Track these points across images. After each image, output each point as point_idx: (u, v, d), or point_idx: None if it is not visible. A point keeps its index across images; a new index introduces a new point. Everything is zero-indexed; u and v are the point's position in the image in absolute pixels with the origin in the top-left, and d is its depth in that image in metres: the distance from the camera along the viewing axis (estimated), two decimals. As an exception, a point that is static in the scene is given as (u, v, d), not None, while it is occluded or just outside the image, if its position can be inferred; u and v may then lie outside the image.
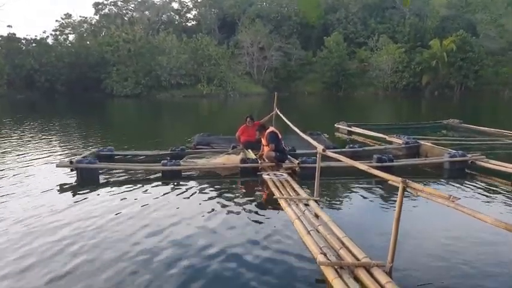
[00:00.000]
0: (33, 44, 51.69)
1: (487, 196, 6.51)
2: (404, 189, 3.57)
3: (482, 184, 7.19)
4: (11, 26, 52.73)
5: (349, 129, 14.08)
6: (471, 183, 7.21)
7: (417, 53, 52.26)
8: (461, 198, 3.22)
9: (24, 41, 52.00)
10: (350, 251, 4.04)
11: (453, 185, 7.17)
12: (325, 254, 3.97)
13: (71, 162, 7.62)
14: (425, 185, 4.93)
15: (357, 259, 3.87)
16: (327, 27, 60.17)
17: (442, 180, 7.68)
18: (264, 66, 54.73)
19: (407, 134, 11.52)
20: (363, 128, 13.71)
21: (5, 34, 51.41)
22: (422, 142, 10.18)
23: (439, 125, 15.81)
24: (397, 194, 3.63)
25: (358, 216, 5.68)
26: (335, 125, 14.91)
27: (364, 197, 6.55)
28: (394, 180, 3.72)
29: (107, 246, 4.51)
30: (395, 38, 56.28)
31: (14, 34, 52.12)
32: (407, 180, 3.53)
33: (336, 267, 3.74)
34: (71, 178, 7.57)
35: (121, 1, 65.68)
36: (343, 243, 4.22)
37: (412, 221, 5.11)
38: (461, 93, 49.41)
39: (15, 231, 4.97)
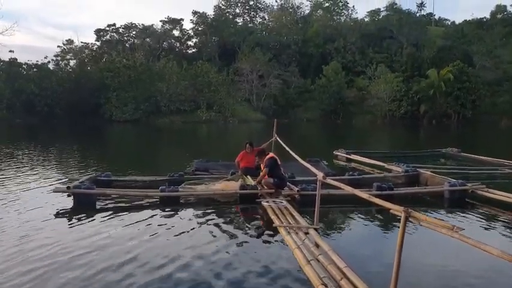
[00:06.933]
0: (34, 69, 52.22)
1: (488, 226, 6.44)
2: (406, 219, 3.50)
3: (483, 214, 7.12)
4: (13, 51, 53.18)
5: (348, 156, 14.05)
6: (472, 213, 7.14)
7: (415, 82, 52.97)
8: (465, 229, 3.15)
9: (25, 66, 52.59)
10: (351, 282, 3.94)
11: (454, 215, 7.11)
12: (326, 285, 3.87)
13: (68, 187, 7.55)
14: (426, 214, 4.87)
15: (359, 290, 3.77)
16: (325, 56, 61.23)
17: (443, 209, 7.61)
18: (263, 93, 55.27)
19: (406, 162, 11.47)
20: (361, 156, 13.70)
21: (7, 59, 52.10)
22: (421, 170, 10.14)
23: (437, 153, 15.79)
24: (398, 222, 3.56)
25: (359, 246, 5.59)
26: (334, 152, 14.89)
27: (365, 226, 6.46)
28: (397, 209, 3.65)
29: (99, 274, 4.39)
30: (393, 67, 57.29)
31: (16, 59, 52.80)
32: (409, 210, 3.46)
33: (337, 299, 3.64)
34: (67, 203, 7.48)
35: (123, 28, 66.87)
36: (344, 274, 4.12)
37: (412, 250, 4.99)
38: (458, 122, 49.78)
39: (10, 255, 4.86)
